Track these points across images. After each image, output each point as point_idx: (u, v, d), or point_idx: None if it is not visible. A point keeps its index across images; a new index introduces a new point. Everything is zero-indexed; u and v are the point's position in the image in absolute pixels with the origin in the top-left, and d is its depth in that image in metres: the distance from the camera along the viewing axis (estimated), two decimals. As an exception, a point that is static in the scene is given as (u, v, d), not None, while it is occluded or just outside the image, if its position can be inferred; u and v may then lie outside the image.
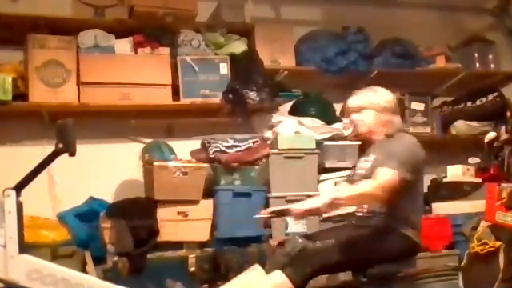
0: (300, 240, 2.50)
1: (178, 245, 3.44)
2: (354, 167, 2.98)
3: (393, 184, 2.44)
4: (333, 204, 2.41)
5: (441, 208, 3.99)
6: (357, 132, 2.83)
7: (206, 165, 3.56)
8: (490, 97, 4.54)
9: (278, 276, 2.37)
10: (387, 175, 2.45)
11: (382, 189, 2.42)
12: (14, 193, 2.11)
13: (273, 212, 2.54)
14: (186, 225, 3.44)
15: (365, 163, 2.75)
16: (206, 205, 3.52)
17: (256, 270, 2.57)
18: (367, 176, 2.60)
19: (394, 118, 2.71)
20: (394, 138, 2.66)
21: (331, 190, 2.73)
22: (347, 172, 3.98)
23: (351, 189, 2.51)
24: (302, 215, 2.48)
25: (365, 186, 2.46)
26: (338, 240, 2.47)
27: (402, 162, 2.48)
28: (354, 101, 2.78)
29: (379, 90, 2.77)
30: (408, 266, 2.74)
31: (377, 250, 2.51)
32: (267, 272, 2.48)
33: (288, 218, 3.49)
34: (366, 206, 2.62)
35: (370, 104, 2.71)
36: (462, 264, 3.37)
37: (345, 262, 2.44)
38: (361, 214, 2.66)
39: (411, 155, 2.55)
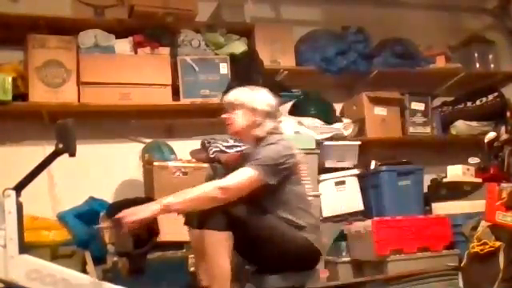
0: None
1: (177, 245, 3.44)
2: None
3: (248, 184, 2.34)
4: (166, 210, 2.30)
5: (441, 208, 3.99)
6: (229, 132, 2.68)
7: (205, 165, 3.55)
8: (490, 97, 4.54)
9: (210, 235, 2.32)
10: (240, 175, 2.35)
11: (226, 190, 2.30)
12: (13, 193, 2.11)
13: (112, 221, 2.41)
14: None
15: None
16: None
17: None
18: None
19: (266, 121, 2.55)
20: (263, 142, 2.52)
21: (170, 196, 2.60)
22: (347, 172, 4.00)
23: (188, 192, 2.35)
24: (134, 225, 2.31)
25: (204, 188, 2.34)
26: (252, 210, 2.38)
27: (264, 163, 2.36)
28: (227, 97, 2.65)
29: (258, 91, 2.63)
30: (309, 278, 2.53)
31: (278, 237, 2.38)
32: None
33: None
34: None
35: (243, 104, 2.56)
36: (462, 264, 3.36)
37: (250, 228, 2.34)
38: None
39: (276, 157, 2.40)
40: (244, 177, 2.35)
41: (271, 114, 2.59)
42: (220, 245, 2.31)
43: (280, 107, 2.70)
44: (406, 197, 4.03)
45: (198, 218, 2.40)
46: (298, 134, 3.89)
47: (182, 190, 2.38)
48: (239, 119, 2.57)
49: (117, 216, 2.33)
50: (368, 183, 4.05)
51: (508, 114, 4.34)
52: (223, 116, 2.63)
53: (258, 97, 2.60)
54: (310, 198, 2.59)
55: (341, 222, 3.90)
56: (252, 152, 2.54)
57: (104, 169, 3.83)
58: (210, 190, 2.32)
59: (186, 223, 2.56)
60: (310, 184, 2.60)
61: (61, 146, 2.14)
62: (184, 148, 3.77)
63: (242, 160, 2.61)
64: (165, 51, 3.84)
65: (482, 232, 3.20)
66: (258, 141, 2.55)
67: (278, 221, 2.41)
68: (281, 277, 2.40)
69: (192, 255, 3.38)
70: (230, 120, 2.59)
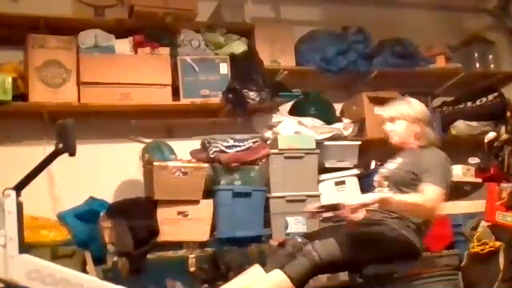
0: (300, 239, 2.50)
1: (178, 245, 3.44)
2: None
3: (440, 201, 2.56)
4: (382, 202, 2.46)
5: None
6: (391, 142, 2.87)
7: (206, 165, 3.55)
8: (490, 97, 4.53)
9: (278, 275, 2.37)
10: (436, 193, 2.53)
11: (432, 203, 2.51)
12: (13, 193, 2.11)
13: (323, 207, 2.54)
14: (185, 225, 3.44)
15: (390, 164, 2.82)
16: (206, 205, 3.52)
17: (256, 270, 2.57)
18: (389, 177, 2.70)
19: (427, 129, 2.78)
20: (426, 149, 2.73)
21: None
22: (347, 172, 4.00)
23: (403, 196, 2.56)
24: (355, 210, 2.49)
25: (416, 198, 2.52)
26: (338, 238, 2.48)
27: (442, 178, 2.57)
28: (387, 111, 2.84)
29: (412, 102, 2.83)
30: (405, 268, 2.74)
31: (376, 250, 2.51)
32: (267, 271, 2.48)
33: (288, 218, 3.50)
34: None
35: (403, 115, 2.77)
36: (462, 264, 3.37)
37: (344, 260, 2.44)
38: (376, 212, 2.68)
39: (447, 171, 2.65)
40: (438, 194, 2.55)
41: (428, 122, 2.81)
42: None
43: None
44: (406, 197, 4.02)
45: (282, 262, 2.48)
46: (298, 133, 3.89)
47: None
48: (400, 130, 2.78)
49: (332, 203, 2.49)
50: (368, 183, 4.04)
51: (508, 113, 4.34)
52: (385, 128, 2.84)
53: (414, 106, 2.81)
54: None
55: (341, 222, 3.89)
56: (417, 160, 2.68)
57: (104, 169, 3.82)
58: (422, 201, 2.50)
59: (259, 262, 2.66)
60: None
61: (61, 145, 2.14)
62: (184, 148, 3.77)
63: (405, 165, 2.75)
64: (165, 51, 3.84)
65: (482, 232, 3.21)
66: (420, 148, 2.75)
67: (366, 234, 2.57)
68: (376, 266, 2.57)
69: (192, 255, 3.39)
70: (394, 132, 2.80)
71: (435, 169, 2.59)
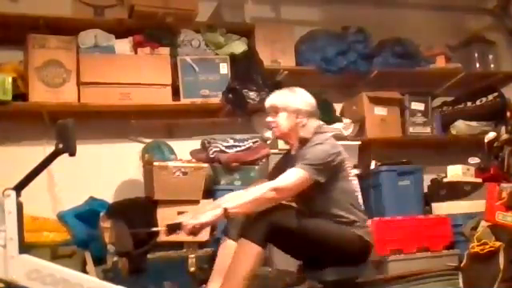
0: None
1: (178, 245, 3.44)
2: None
3: (298, 183, 2.41)
4: (227, 214, 2.36)
5: (441, 208, 3.99)
6: (273, 135, 2.75)
7: (205, 165, 3.55)
8: (490, 97, 4.54)
9: (243, 244, 2.34)
10: (291, 175, 2.42)
11: (279, 190, 2.38)
12: (13, 193, 2.10)
13: (167, 225, 2.44)
14: (185, 225, 3.44)
15: None
16: (206, 205, 3.51)
17: (226, 243, 2.54)
18: None
19: (310, 121, 2.62)
20: (309, 142, 2.58)
21: (223, 199, 2.67)
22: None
23: (244, 195, 2.44)
24: (192, 230, 2.37)
25: (259, 190, 2.41)
26: (297, 211, 2.46)
27: (313, 163, 2.43)
28: (269, 101, 2.68)
29: (297, 91, 2.68)
30: (363, 271, 2.64)
31: (327, 232, 2.45)
32: (234, 239, 2.45)
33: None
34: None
35: (285, 105, 2.61)
36: (462, 264, 3.36)
37: (297, 232, 2.37)
38: None
39: (324, 157, 2.47)
40: (295, 177, 2.42)
41: (314, 114, 2.66)
42: (251, 256, 2.32)
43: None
44: (406, 197, 4.02)
45: (241, 228, 2.42)
46: (298, 133, 3.89)
47: (235, 193, 2.52)
48: (284, 122, 2.62)
49: (176, 221, 2.40)
50: (368, 183, 4.05)
51: (508, 114, 4.33)
52: (267, 120, 2.68)
53: (299, 97, 2.66)
54: (356, 194, 2.65)
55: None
56: (299, 153, 2.57)
57: (104, 169, 3.83)
58: (264, 191, 2.39)
59: (225, 233, 2.58)
60: (355, 179, 2.69)
61: (61, 145, 2.13)
62: (184, 148, 3.77)
63: (288, 161, 2.63)
64: (165, 51, 3.84)
65: (482, 232, 3.20)
66: (304, 141, 2.60)
67: (324, 221, 2.47)
68: (336, 270, 2.47)
69: (192, 255, 3.39)
70: (275, 123, 2.64)
71: (307, 155, 2.46)
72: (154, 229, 2.45)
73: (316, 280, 2.59)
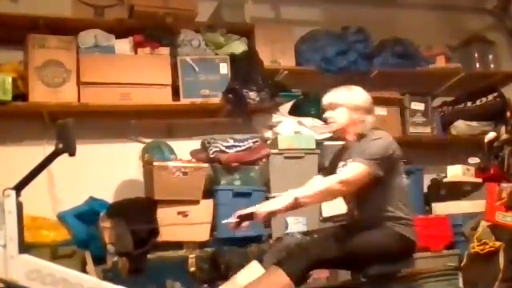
0: (298, 236, 2.49)
1: (177, 245, 3.44)
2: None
3: (360, 177, 2.46)
4: (297, 203, 2.42)
5: (441, 208, 3.99)
6: (330, 130, 2.82)
7: (205, 165, 3.56)
8: (490, 97, 4.54)
9: (275, 271, 2.37)
10: (353, 168, 2.47)
11: (345, 183, 2.44)
12: (13, 193, 2.10)
13: (239, 216, 2.47)
14: (185, 225, 3.44)
15: (340, 164, 2.71)
16: (206, 205, 3.52)
17: (254, 266, 2.56)
18: None
19: (368, 117, 2.67)
20: (366, 137, 2.62)
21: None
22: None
23: (313, 186, 2.52)
24: (266, 218, 2.47)
25: (327, 182, 2.49)
26: (334, 235, 2.48)
27: (373, 157, 2.48)
28: (327, 98, 2.75)
29: (354, 89, 2.75)
30: (406, 266, 2.72)
31: (368, 246, 2.49)
32: (265, 267, 2.48)
33: (288, 218, 3.49)
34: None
35: (344, 102, 2.68)
36: (462, 264, 3.37)
37: (340, 256, 2.43)
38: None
39: (383, 152, 2.52)
40: (358, 170, 2.46)
41: (371, 110, 2.70)
42: (278, 285, 2.35)
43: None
44: (406, 197, 4.02)
45: (279, 257, 2.47)
46: (298, 133, 3.89)
47: (308, 184, 2.57)
48: (342, 117, 2.67)
49: (246, 211, 2.44)
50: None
51: (508, 114, 4.34)
52: (325, 116, 2.75)
53: (358, 94, 2.71)
54: (406, 190, 2.70)
55: (341, 221, 3.89)
56: (356, 148, 2.60)
57: (104, 169, 3.82)
58: (333, 183, 2.45)
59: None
60: (406, 177, 2.76)
61: (61, 145, 2.13)
62: (184, 148, 3.77)
63: (345, 156, 2.67)
64: (165, 51, 3.84)
65: (482, 232, 3.21)
66: (361, 137, 2.65)
67: (359, 236, 2.49)
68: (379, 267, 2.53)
69: (192, 255, 3.39)
70: (333, 118, 2.70)
71: (367, 149, 2.52)
72: (226, 220, 2.48)
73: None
